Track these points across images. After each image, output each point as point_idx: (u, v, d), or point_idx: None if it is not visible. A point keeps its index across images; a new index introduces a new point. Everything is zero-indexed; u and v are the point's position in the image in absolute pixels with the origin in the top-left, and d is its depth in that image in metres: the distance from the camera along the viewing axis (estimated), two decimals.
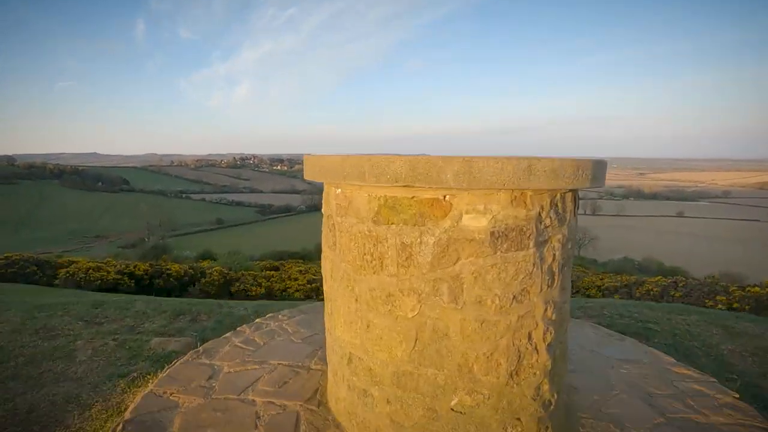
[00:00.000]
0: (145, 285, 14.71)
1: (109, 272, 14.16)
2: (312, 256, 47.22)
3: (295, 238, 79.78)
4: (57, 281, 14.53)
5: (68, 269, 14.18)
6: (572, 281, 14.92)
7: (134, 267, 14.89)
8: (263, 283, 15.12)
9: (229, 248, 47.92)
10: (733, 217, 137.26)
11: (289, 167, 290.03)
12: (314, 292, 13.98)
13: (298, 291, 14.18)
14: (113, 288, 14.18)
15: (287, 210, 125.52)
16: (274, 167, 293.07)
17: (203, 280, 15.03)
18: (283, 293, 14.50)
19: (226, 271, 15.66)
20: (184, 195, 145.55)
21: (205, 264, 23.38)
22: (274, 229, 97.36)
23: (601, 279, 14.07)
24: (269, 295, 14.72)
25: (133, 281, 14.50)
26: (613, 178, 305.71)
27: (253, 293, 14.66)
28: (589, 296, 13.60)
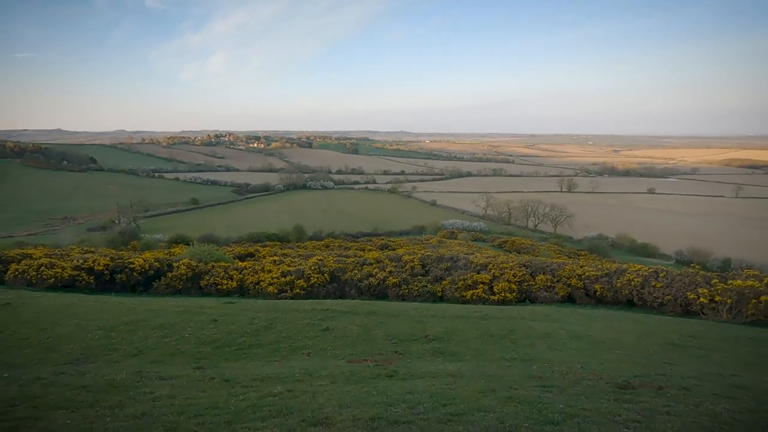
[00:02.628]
0: (105, 281, 13.78)
1: (64, 268, 13.11)
2: (289, 238, 46.36)
3: (271, 218, 78.37)
4: (6, 278, 13.43)
5: (19, 266, 13.09)
6: (553, 270, 14.76)
7: (93, 262, 13.85)
8: (235, 276, 14.37)
9: (204, 231, 46.52)
10: (700, 194, 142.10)
11: (266, 144, 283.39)
12: (289, 287, 13.34)
13: (271, 285, 13.50)
14: (70, 285, 13.20)
15: (265, 189, 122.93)
16: (251, 145, 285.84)
17: (170, 275, 14.15)
18: (256, 287, 13.81)
19: (194, 264, 14.79)
20: (156, 174, 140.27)
21: (177, 251, 22.36)
22: (251, 209, 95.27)
23: (581, 267, 13.90)
24: (241, 289, 14.01)
25: (92, 277, 13.50)
26: (589, 155, 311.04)
27: (224, 287, 13.90)
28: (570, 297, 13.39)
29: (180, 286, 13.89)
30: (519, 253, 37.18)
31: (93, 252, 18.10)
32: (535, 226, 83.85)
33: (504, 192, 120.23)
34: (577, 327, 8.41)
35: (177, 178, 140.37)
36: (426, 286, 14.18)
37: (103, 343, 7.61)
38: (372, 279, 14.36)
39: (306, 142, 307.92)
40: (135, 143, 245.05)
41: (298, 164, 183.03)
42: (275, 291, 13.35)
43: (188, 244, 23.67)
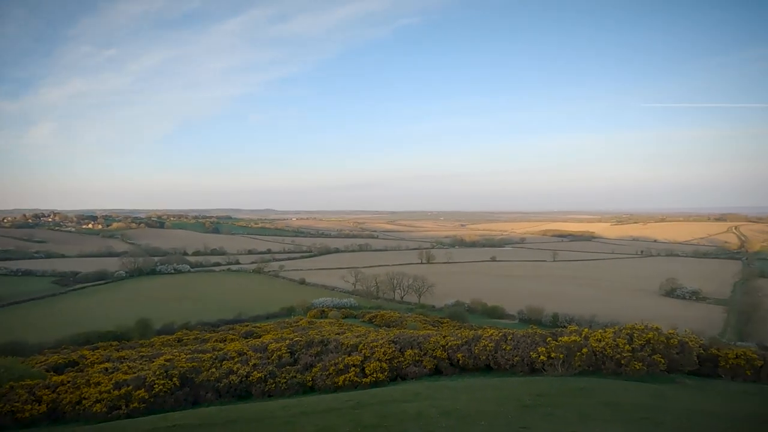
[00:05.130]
0: None
1: None
2: (131, 335, 38.87)
3: (109, 312, 65.74)
4: None
5: None
6: (420, 343, 15.29)
7: None
8: (45, 397, 11.19)
9: (4, 337, 36.05)
10: (529, 259, 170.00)
11: (105, 225, 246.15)
12: (124, 401, 10.83)
13: (99, 402, 10.81)
14: None
15: (101, 277, 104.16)
16: (85, 226, 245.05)
17: None
18: (77, 407, 10.89)
19: None
20: None
21: None
22: (81, 303, 78.83)
23: (444, 338, 14.70)
24: (54, 413, 10.87)
25: None
26: (441, 229, 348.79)
27: (27, 415, 10.63)
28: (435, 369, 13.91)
29: None
30: (389, 326, 37.92)
31: None
32: (402, 297, 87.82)
33: (371, 266, 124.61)
34: (445, 402, 8.60)
35: None
36: (295, 376, 13.12)
37: None
38: (233, 377, 12.72)
39: (157, 221, 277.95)
40: None
41: (146, 246, 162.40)
42: (104, 410, 10.71)
43: None
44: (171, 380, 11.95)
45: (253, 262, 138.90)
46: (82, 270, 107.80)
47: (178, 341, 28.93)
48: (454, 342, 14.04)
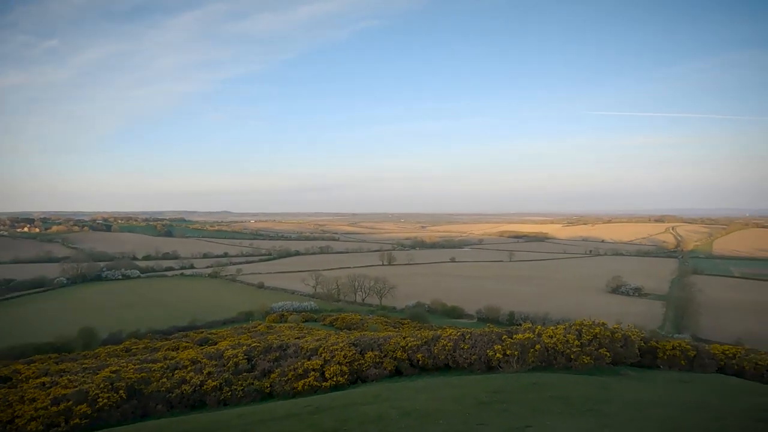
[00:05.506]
0: None
1: None
2: (73, 346, 36.19)
3: (48, 323, 60.96)
4: None
5: None
6: (380, 345, 15.32)
7: None
8: None
9: None
10: (487, 260, 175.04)
11: (43, 229, 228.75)
12: (63, 418, 10.06)
13: (34, 420, 9.98)
14: None
15: (39, 284, 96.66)
16: (20, 229, 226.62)
17: None
18: (9, 427, 10.00)
19: None
20: None
21: None
22: (15, 313, 72.74)
23: (404, 339, 14.80)
24: None
25: None
26: (403, 231, 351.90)
27: None
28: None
29: None
30: (350, 329, 37.73)
31: None
32: (363, 299, 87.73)
33: (332, 269, 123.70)
34: (405, 403, 8.65)
35: None
36: (252, 383, 12.75)
37: None
38: (186, 386, 12.17)
39: (103, 224, 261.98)
40: None
41: (90, 251, 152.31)
42: (41, 428, 9.91)
43: None
44: (117, 393, 11.25)
45: (208, 266, 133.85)
46: (16, 277, 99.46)
47: (126, 351, 27.31)
48: (414, 343, 14.17)
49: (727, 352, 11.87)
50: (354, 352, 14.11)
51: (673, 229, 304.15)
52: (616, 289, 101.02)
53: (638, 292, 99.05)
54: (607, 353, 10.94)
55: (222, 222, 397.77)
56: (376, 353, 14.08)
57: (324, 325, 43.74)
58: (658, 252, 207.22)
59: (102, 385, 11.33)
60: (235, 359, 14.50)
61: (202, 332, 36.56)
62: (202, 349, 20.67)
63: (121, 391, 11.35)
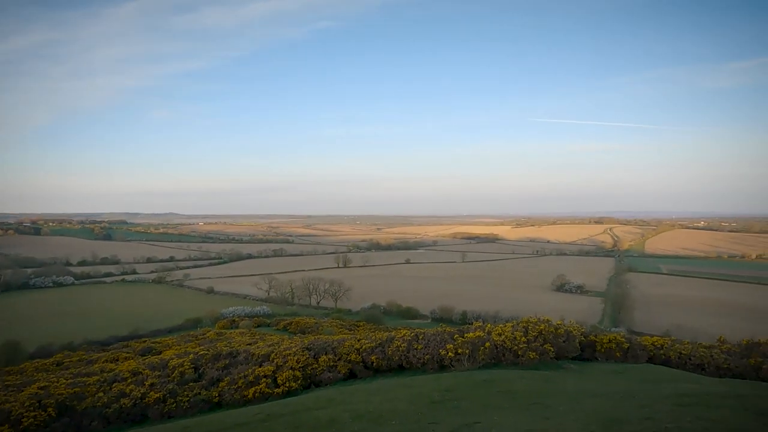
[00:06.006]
0: None
1: None
2: None
3: None
4: None
5: None
6: (334, 348, 15.18)
7: None
8: None
9: None
10: (441, 261, 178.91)
11: None
12: None
13: None
14: None
15: None
16: None
17: None
18: None
19: None
20: None
21: None
22: None
23: (359, 341, 14.77)
24: None
25: None
26: (358, 233, 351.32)
27: None
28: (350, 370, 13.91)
29: None
30: (304, 333, 37.09)
31: None
32: (318, 302, 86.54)
33: (286, 272, 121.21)
34: (359, 406, 8.63)
35: None
36: (199, 393, 12.19)
37: None
38: (125, 400, 11.41)
39: (31, 227, 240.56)
40: None
41: (16, 257, 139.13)
42: None
43: None
44: (45, 411, 10.35)
45: (153, 272, 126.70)
46: None
47: (57, 365, 25.21)
48: (369, 345, 14.17)
49: (656, 343, 12.86)
50: (307, 356, 13.90)
51: (610, 230, 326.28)
52: (561, 287, 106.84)
53: (580, 290, 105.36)
54: (551, 348, 11.51)
55: (168, 224, 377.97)
56: (330, 357, 13.94)
57: (277, 329, 42.73)
58: (598, 251, 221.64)
59: (27, 404, 10.37)
60: (180, 369, 13.80)
61: (145, 342, 34.52)
62: (144, 360, 19.50)
63: (50, 409, 10.45)
